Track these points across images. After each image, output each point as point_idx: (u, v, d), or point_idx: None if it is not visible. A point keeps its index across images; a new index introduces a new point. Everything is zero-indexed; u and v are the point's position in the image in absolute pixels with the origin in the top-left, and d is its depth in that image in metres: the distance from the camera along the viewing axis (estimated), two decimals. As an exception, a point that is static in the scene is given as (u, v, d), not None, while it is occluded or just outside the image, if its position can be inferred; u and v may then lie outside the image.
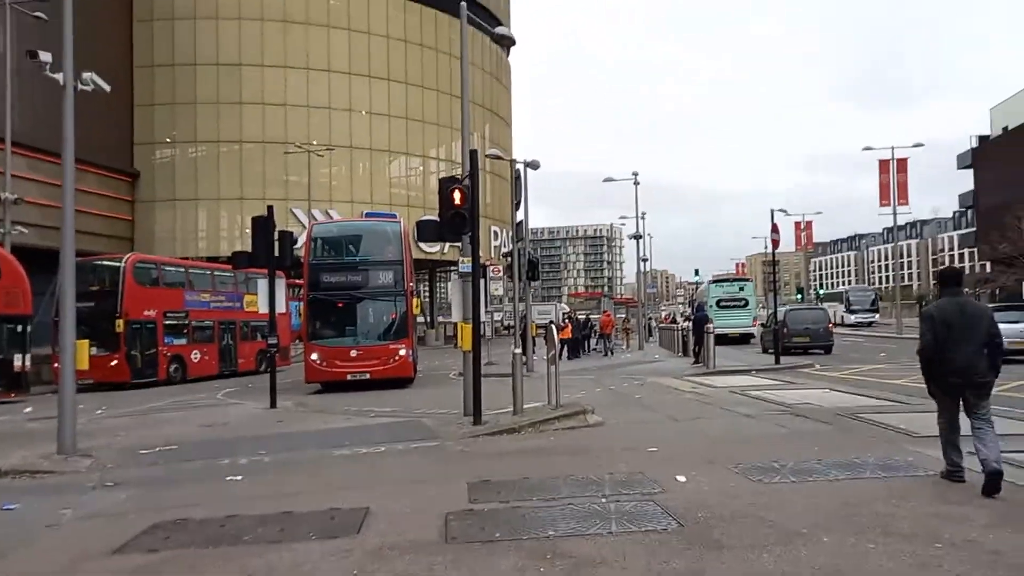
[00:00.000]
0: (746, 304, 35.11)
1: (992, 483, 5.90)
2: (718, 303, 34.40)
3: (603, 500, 6.33)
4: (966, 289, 6.00)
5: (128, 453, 9.80)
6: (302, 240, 22.72)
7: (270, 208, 15.53)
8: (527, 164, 23.28)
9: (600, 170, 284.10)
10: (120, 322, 21.46)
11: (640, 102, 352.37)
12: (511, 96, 60.92)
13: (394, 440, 10.09)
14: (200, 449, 10.02)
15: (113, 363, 21.33)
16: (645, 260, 43.19)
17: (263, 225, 15.00)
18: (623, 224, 67.95)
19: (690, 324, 26.07)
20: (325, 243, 19.99)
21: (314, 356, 18.07)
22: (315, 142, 41.26)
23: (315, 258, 19.02)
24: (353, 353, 18.17)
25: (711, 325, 21.15)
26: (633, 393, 15.31)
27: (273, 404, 14.45)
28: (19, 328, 19.52)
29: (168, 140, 42.46)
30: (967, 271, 74.52)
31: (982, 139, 57.97)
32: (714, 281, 39.14)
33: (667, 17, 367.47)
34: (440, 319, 58.69)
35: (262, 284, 15.52)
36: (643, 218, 38.39)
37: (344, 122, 44.77)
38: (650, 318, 50.47)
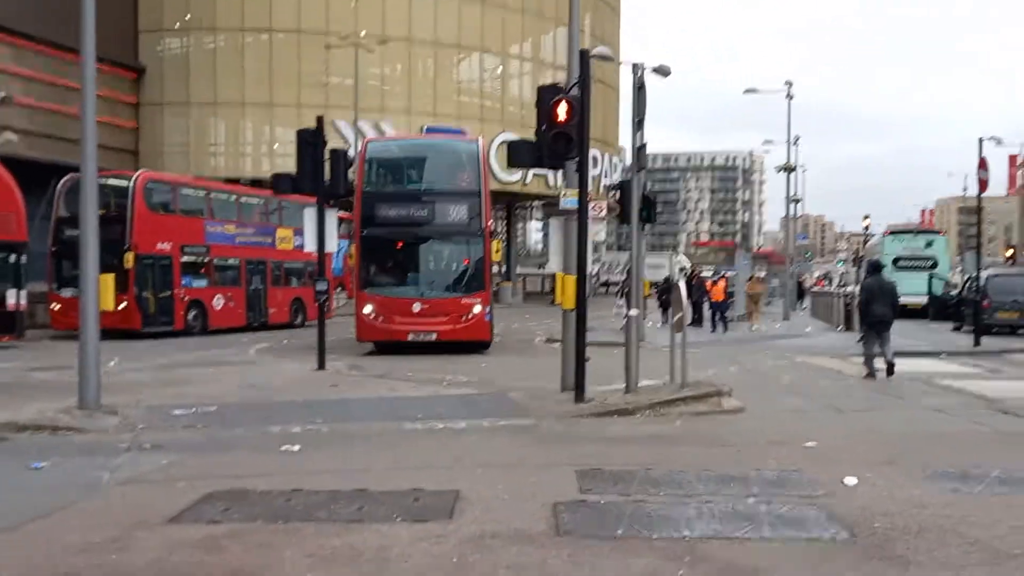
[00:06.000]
0: (935, 265, 34.47)
1: None
2: (896, 263, 33.92)
3: (750, 500, 6.73)
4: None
5: (159, 413, 10.75)
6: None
7: (319, 119, 16.11)
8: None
9: (740, 80, 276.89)
10: (129, 256, 22.75)
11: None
12: (622, -27, 59.97)
13: (477, 415, 10.72)
14: (243, 413, 10.90)
15: (121, 306, 22.53)
16: (797, 200, 42.46)
17: (311, 141, 15.64)
18: (767, 151, 65.82)
19: (856, 289, 25.87)
20: (382, 166, 20.68)
21: (367, 309, 18.90)
22: (364, 33, 41.90)
23: (370, 185, 19.72)
24: (416, 307, 18.92)
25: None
26: (780, 375, 15.59)
27: (322, 365, 15.34)
28: (12, 258, 21.07)
29: (178, 26, 43.87)
30: None
31: None
32: (892, 233, 38.54)
33: None
34: (519, 270, 59.40)
35: (308, 213, 16.25)
36: (796, 144, 37.66)
37: (402, 7, 45.20)
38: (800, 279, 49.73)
